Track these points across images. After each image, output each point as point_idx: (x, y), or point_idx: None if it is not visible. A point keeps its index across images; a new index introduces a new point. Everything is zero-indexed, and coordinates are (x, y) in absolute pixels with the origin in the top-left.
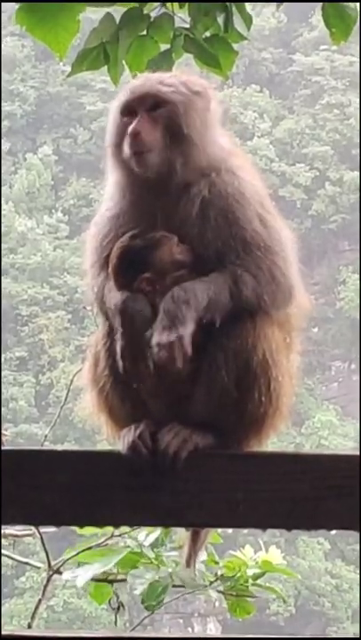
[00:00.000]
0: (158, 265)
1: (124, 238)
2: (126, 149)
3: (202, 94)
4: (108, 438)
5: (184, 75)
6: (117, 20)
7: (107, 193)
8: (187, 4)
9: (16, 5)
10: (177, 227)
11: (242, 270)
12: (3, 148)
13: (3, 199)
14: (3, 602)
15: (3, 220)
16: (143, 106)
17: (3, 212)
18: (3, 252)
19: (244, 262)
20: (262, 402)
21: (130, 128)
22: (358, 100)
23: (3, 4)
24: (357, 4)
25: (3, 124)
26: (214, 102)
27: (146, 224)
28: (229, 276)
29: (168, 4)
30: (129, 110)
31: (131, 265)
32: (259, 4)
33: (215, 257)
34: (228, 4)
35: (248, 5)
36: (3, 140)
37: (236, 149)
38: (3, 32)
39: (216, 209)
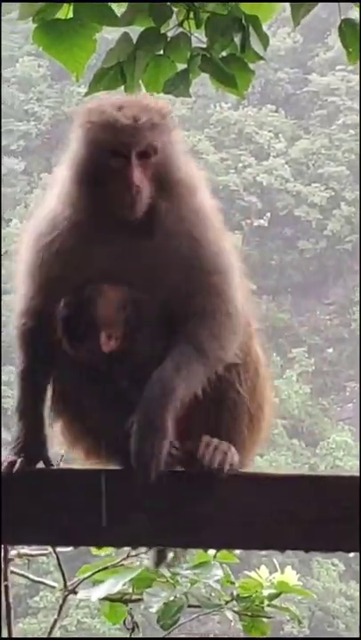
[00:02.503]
0: (110, 318)
1: (67, 297)
2: (116, 196)
3: (175, 124)
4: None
5: (152, 100)
6: (134, 40)
7: (53, 209)
8: (203, 24)
9: (33, 25)
10: (139, 266)
11: (202, 331)
12: (17, 167)
13: (18, 218)
14: (17, 621)
15: (17, 240)
16: (134, 151)
17: (17, 232)
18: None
19: (203, 314)
20: (266, 411)
21: (128, 178)
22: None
23: (20, 23)
24: None
25: (18, 143)
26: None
27: (97, 261)
28: (193, 346)
29: (185, 25)
30: (118, 152)
31: (80, 322)
32: (275, 25)
33: (171, 299)
34: (245, 23)
35: (264, 25)
36: (18, 160)
37: (196, 172)
38: (18, 52)
39: (184, 247)
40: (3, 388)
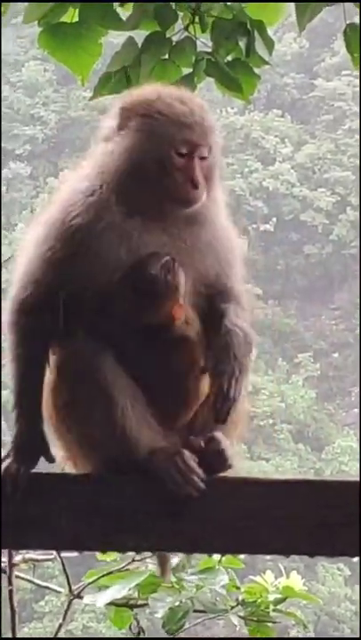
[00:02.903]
0: (180, 291)
1: (138, 263)
2: (178, 189)
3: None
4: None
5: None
6: (140, 44)
7: (89, 189)
8: (209, 28)
9: (38, 29)
10: (180, 252)
11: (237, 307)
12: (23, 172)
13: (24, 223)
14: (22, 626)
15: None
16: (199, 150)
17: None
18: None
19: (238, 295)
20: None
21: (194, 176)
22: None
23: (26, 27)
24: None
25: (24, 147)
26: None
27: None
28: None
29: (190, 29)
30: (184, 149)
31: (160, 296)
32: (280, 30)
33: (210, 281)
34: (250, 28)
35: (270, 30)
36: (24, 164)
37: None
38: (24, 56)
39: (220, 237)
40: (6, 391)
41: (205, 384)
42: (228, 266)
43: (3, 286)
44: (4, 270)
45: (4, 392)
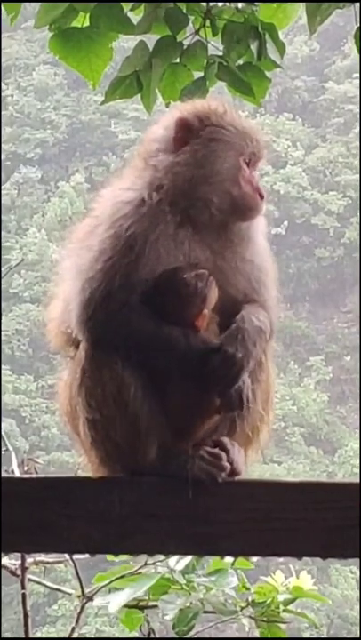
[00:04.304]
0: (208, 302)
1: (174, 268)
2: (248, 200)
3: None
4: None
5: None
6: (151, 48)
7: (139, 195)
8: (220, 32)
9: (49, 34)
10: (219, 265)
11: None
12: (34, 176)
13: (35, 227)
14: (35, 630)
15: (35, 249)
16: (258, 165)
17: (35, 241)
18: (35, 279)
19: (266, 303)
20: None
21: (259, 187)
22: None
23: (36, 31)
24: None
25: (35, 151)
26: None
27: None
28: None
29: (201, 32)
30: (251, 161)
31: (188, 301)
32: (291, 33)
33: (239, 300)
34: (261, 31)
35: (281, 33)
36: (35, 168)
37: None
38: (34, 60)
39: (259, 257)
40: (20, 396)
41: None
42: (261, 288)
43: (13, 290)
44: (16, 275)
45: (15, 396)
